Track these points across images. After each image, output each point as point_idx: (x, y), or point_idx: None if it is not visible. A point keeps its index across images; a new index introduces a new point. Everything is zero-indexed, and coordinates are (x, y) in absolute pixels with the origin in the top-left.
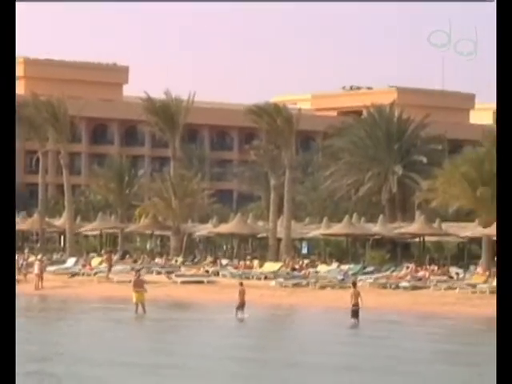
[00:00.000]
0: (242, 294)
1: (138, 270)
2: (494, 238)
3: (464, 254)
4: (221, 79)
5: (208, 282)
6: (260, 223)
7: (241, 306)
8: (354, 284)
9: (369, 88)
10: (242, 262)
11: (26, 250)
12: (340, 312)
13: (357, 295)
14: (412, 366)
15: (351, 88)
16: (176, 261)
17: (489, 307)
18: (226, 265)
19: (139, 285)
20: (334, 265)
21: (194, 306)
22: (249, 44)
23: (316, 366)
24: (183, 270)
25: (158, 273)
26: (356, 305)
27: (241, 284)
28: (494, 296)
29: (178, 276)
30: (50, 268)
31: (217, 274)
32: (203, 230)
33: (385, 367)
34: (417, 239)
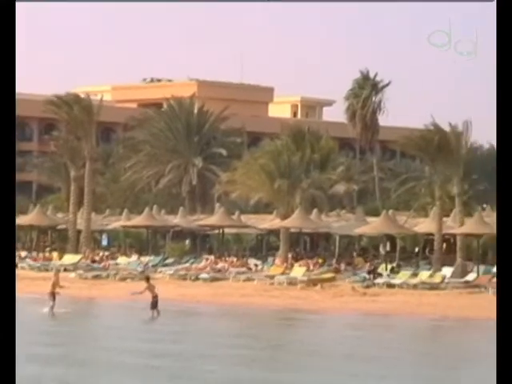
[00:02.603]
0: (55, 283)
1: None
2: (292, 230)
3: (262, 246)
4: (20, 69)
5: None
6: (60, 215)
7: (51, 295)
8: (147, 278)
9: (169, 80)
10: (41, 254)
11: None
12: (140, 304)
13: (152, 287)
14: (207, 358)
15: (152, 80)
16: None
17: (286, 298)
18: (25, 257)
19: None
20: (134, 256)
21: None
22: (49, 34)
23: (111, 363)
24: None
25: None
26: (155, 296)
27: (55, 274)
28: (292, 287)
29: None
30: None
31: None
32: None
33: (177, 362)
34: (216, 231)
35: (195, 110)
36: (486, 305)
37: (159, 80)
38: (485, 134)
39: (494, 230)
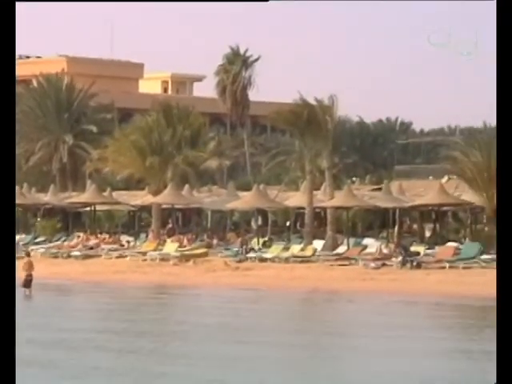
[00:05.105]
0: None
1: None
2: (164, 206)
3: (135, 222)
4: None
5: None
6: None
7: None
8: (28, 254)
9: (38, 57)
10: None
11: None
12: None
13: (30, 265)
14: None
15: (20, 57)
16: None
17: (159, 274)
18: None
19: None
20: None
21: None
22: None
23: None
24: None
25: None
26: (29, 275)
27: None
28: (164, 263)
29: None
30: None
31: None
32: None
33: (54, 340)
34: (88, 208)
35: (64, 87)
36: (355, 276)
37: (28, 57)
38: (354, 108)
39: (363, 203)
